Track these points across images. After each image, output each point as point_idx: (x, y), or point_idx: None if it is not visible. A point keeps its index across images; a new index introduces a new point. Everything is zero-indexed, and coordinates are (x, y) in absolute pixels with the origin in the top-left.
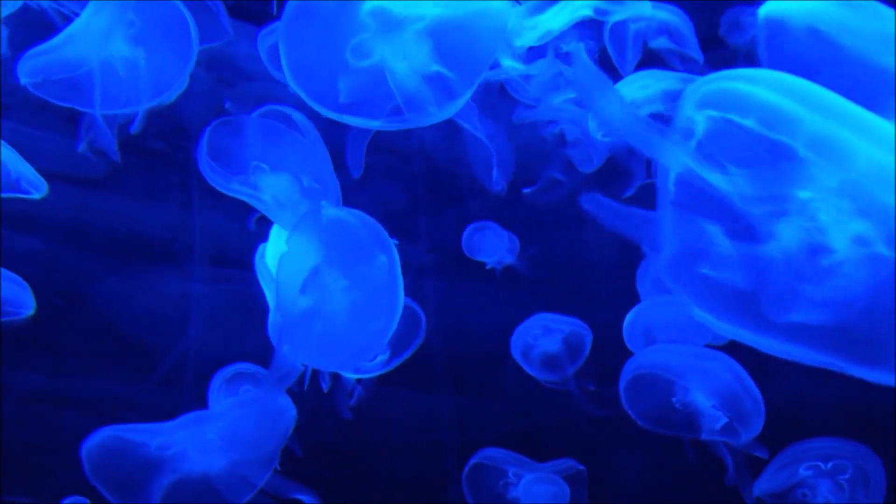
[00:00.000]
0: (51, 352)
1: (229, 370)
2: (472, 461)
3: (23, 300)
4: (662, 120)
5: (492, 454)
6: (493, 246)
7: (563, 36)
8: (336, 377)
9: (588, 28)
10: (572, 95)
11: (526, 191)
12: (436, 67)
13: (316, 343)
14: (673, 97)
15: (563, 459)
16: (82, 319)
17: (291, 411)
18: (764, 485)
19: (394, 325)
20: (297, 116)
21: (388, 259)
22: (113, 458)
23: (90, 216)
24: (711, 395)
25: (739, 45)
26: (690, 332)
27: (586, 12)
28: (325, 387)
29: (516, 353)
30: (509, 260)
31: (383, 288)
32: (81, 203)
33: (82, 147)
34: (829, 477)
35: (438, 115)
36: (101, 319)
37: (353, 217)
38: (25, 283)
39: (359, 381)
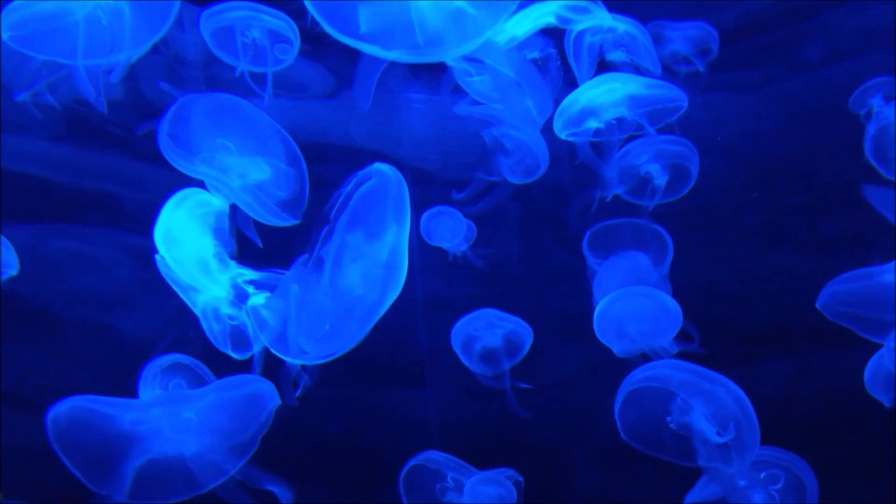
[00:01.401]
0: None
1: (166, 360)
2: (412, 462)
3: (8, 261)
4: (626, 124)
5: (432, 457)
6: (450, 231)
7: (527, 42)
8: (279, 364)
9: (551, 36)
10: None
11: (456, 196)
12: (460, 2)
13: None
14: (638, 102)
15: (502, 468)
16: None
17: (275, 400)
18: (696, 494)
19: (392, 297)
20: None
21: (397, 230)
22: (81, 429)
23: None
24: (711, 417)
25: (662, 56)
26: (661, 323)
27: (550, 20)
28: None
29: (456, 344)
30: (464, 247)
31: (386, 260)
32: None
33: (23, 97)
34: (761, 487)
35: (457, 51)
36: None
37: (394, 175)
38: (9, 244)
39: (303, 367)
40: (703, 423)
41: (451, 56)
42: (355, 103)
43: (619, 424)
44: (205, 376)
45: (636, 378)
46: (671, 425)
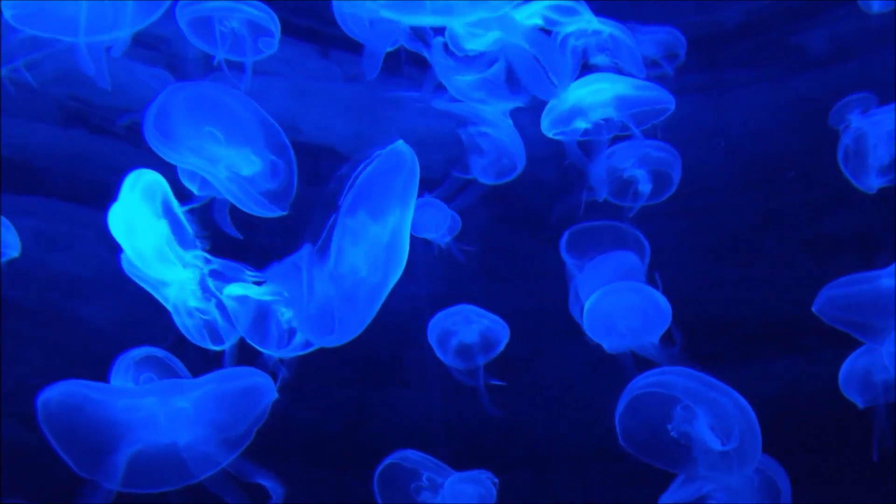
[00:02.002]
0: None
1: (138, 352)
2: (388, 460)
3: (10, 242)
4: (612, 125)
5: (409, 455)
6: (434, 223)
7: None
8: (257, 356)
9: None
10: (515, 104)
11: (429, 195)
12: None
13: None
14: (625, 103)
15: (478, 470)
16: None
17: (272, 394)
18: (669, 497)
19: (394, 281)
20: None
21: (400, 213)
22: (72, 414)
23: None
24: (714, 427)
25: None
26: (651, 319)
27: (536, 21)
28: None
29: (433, 338)
30: (448, 239)
31: (388, 242)
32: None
33: (3, 73)
34: None
35: (469, 16)
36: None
37: (409, 156)
38: (10, 225)
39: (281, 360)
40: (705, 432)
41: (466, 20)
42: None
43: (618, 429)
44: (177, 370)
45: (641, 384)
46: (672, 433)
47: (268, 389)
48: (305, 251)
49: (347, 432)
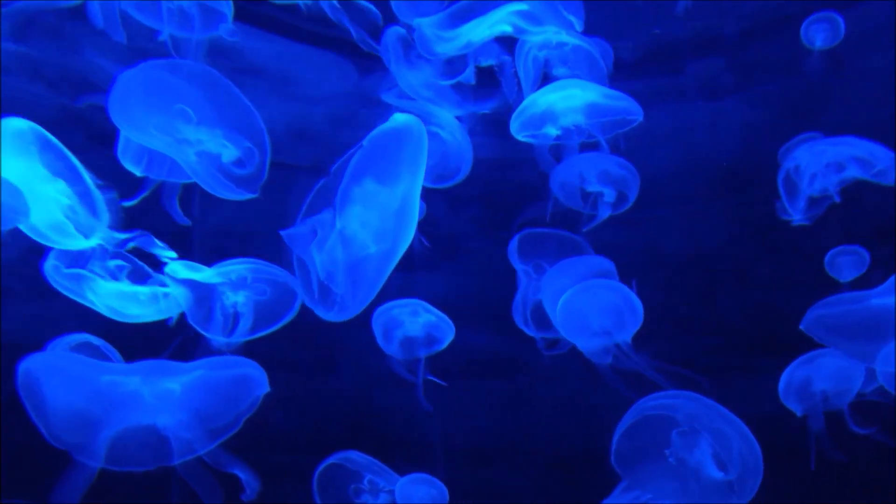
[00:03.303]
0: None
1: (74, 338)
2: (330, 460)
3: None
4: (580, 132)
5: (352, 457)
6: None
7: (483, 50)
8: (202, 340)
9: (507, 44)
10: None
11: None
12: None
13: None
14: (596, 111)
15: (421, 473)
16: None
17: (263, 387)
18: (611, 499)
19: (403, 249)
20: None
21: (410, 180)
22: (53, 386)
23: None
24: (716, 455)
25: None
26: (624, 318)
27: (506, 28)
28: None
29: (377, 326)
30: None
31: (395, 209)
32: None
33: None
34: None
35: None
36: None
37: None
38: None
39: (227, 346)
40: (706, 459)
41: None
42: None
43: (613, 449)
44: (113, 359)
45: (646, 405)
46: (669, 458)
47: (260, 381)
48: (326, 216)
49: (347, 432)
